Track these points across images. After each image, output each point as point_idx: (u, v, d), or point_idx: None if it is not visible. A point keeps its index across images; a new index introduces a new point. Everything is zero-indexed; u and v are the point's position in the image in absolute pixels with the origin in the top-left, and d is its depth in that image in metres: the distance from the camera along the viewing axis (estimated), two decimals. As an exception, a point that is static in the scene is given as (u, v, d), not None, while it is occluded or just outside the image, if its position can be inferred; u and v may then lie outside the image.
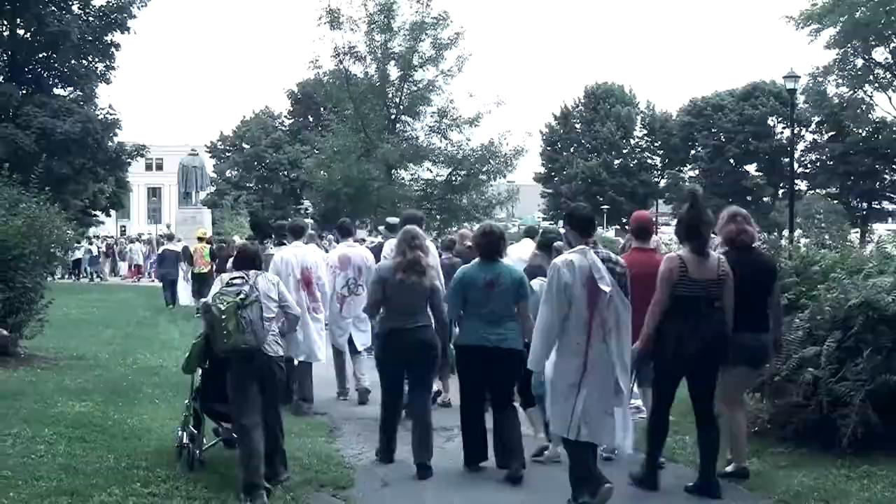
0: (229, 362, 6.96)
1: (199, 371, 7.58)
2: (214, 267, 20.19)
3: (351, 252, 11.13)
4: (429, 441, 7.73)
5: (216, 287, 7.09)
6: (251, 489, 6.57)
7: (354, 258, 10.97)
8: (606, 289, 6.27)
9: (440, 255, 11.23)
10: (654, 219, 7.46)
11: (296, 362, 9.88)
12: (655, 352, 6.98)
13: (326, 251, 12.97)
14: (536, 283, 7.73)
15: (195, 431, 7.48)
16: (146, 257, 41.66)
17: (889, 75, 50.47)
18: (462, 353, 7.74)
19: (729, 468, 7.30)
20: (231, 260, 12.12)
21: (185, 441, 7.44)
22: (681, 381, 7.12)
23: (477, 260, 7.67)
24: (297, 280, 9.98)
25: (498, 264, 7.53)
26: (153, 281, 37.45)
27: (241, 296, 6.73)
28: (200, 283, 21.51)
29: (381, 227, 12.56)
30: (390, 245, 10.00)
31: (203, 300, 8.05)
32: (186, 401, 7.86)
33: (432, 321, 7.92)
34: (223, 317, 6.66)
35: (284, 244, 10.66)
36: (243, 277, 6.96)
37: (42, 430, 8.16)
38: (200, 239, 22.76)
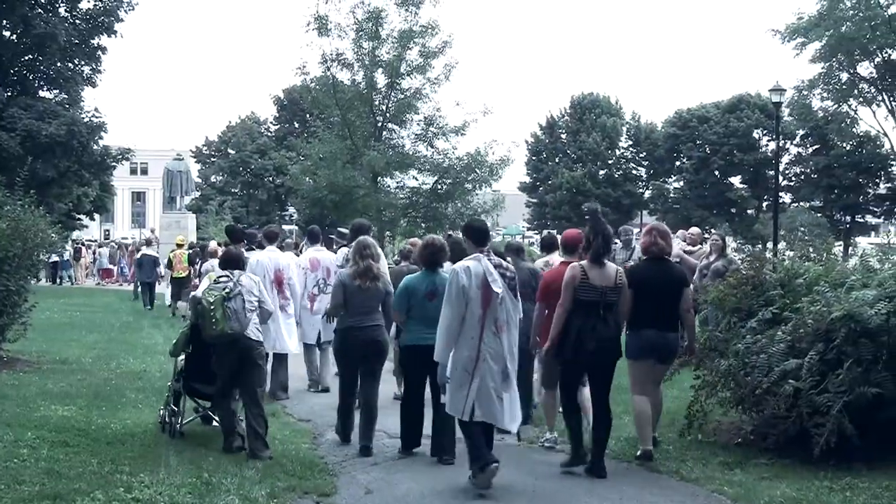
0: (216, 346, 8.24)
1: (182, 356, 8.83)
2: (194, 270, 21.25)
3: (320, 255, 12.39)
4: (372, 426, 8.69)
5: (205, 284, 8.53)
6: (231, 447, 8.19)
7: (323, 261, 12.21)
8: (498, 290, 7.32)
9: (398, 263, 12.25)
10: (582, 234, 8.61)
11: (270, 355, 10.70)
12: (559, 350, 7.92)
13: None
14: None
15: (175, 409, 8.75)
16: (117, 261, 41.55)
17: (873, 90, 50.77)
18: (406, 353, 8.66)
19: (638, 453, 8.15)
20: (208, 262, 13.05)
21: (167, 419, 8.73)
22: (584, 374, 8.08)
23: (422, 270, 8.60)
24: (271, 280, 11.32)
25: (438, 275, 8.35)
26: (121, 284, 37.84)
27: (227, 290, 8.10)
28: (179, 287, 22.76)
29: (331, 236, 13.48)
30: (342, 252, 11.64)
31: (192, 294, 9.34)
32: (169, 382, 9.06)
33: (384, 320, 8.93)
34: (212, 307, 8.00)
35: (254, 249, 12.08)
36: (228, 276, 8.35)
37: (25, 434, 8.13)
38: (179, 245, 23.97)
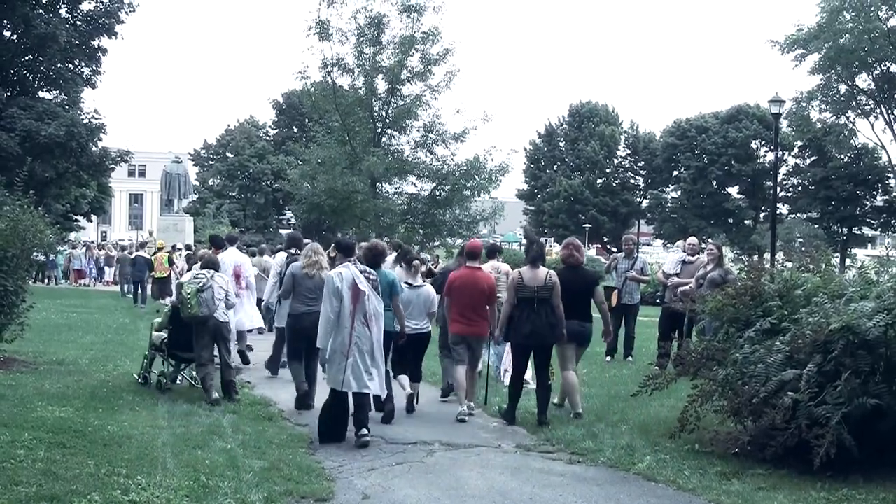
0: (194, 325, 11.08)
1: (165, 332, 11.76)
2: (179, 270, 24.02)
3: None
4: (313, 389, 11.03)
5: (188, 277, 11.65)
6: (210, 400, 10.66)
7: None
8: (364, 289, 9.20)
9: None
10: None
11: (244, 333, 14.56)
12: (508, 334, 10.46)
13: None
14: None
15: (152, 370, 11.89)
16: (86, 263, 41.55)
17: (872, 102, 50.88)
18: None
19: (559, 404, 10.98)
20: (197, 264, 15.92)
21: (144, 375, 11.87)
22: (530, 354, 10.46)
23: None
24: (231, 274, 13.90)
25: (379, 271, 10.15)
26: (91, 285, 38.22)
27: (200, 284, 11.00)
28: (161, 285, 26.12)
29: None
30: (281, 257, 14.62)
31: (178, 281, 12.51)
32: (146, 351, 12.22)
33: None
34: (188, 296, 10.91)
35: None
36: (204, 274, 11.24)
37: (22, 435, 8.10)
38: (160, 249, 27.09)
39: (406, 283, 11.09)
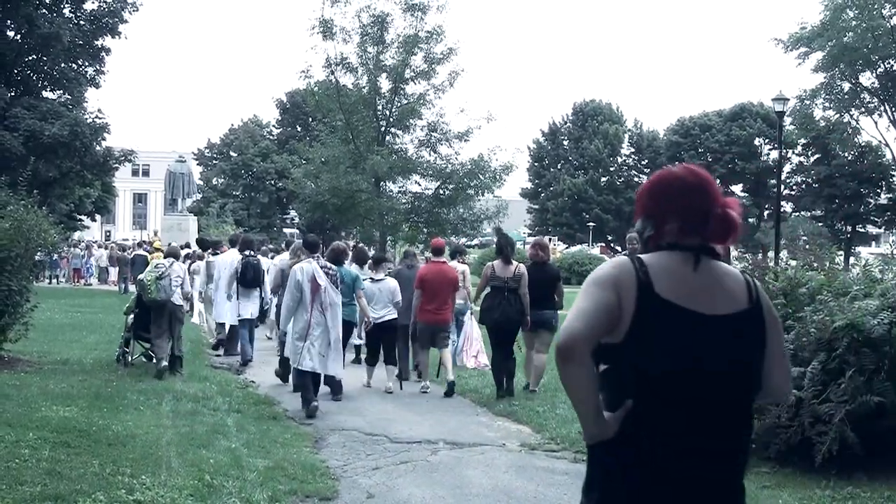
0: (153, 308, 12.68)
1: (132, 315, 13.34)
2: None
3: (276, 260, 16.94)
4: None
5: (150, 267, 13.38)
6: (161, 372, 12.36)
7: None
8: (322, 283, 10.65)
9: None
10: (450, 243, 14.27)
11: (227, 326, 16.11)
12: (482, 319, 12.04)
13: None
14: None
15: (127, 349, 13.40)
16: (84, 262, 41.65)
17: (875, 100, 50.73)
18: None
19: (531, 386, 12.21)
20: (195, 263, 18.83)
21: (121, 356, 13.42)
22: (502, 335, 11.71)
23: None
24: (230, 272, 15.65)
25: (342, 269, 11.99)
26: (89, 284, 38.43)
27: (159, 273, 12.62)
28: None
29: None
30: (237, 258, 15.62)
31: (138, 277, 13.83)
32: (122, 332, 13.85)
33: None
34: (149, 283, 12.54)
35: (217, 253, 17.60)
36: (164, 263, 12.93)
37: (26, 435, 8.10)
38: (157, 249, 27.36)
39: (370, 278, 12.98)
